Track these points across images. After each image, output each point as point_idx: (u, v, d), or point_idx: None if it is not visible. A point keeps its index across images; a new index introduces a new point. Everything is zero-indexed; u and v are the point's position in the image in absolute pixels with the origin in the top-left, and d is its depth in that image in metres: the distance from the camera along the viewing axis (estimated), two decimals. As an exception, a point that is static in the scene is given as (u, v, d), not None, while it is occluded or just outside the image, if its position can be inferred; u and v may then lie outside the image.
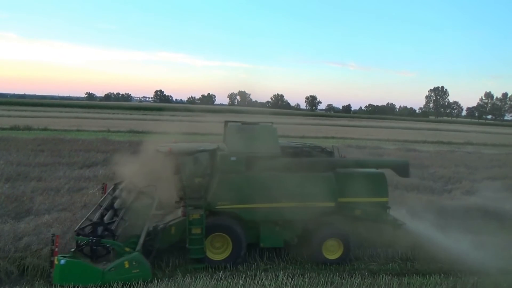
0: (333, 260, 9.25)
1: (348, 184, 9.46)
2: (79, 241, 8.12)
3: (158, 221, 9.17)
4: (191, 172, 9.13)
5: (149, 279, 7.90)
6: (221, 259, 8.95)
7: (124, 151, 11.37)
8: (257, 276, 8.31)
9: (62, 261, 7.56)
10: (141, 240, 8.35)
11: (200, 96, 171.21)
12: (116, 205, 9.58)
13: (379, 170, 10.01)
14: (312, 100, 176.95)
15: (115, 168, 10.85)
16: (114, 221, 8.88)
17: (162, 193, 9.99)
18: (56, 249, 7.84)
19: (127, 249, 8.06)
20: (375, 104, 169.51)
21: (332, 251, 9.33)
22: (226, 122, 9.81)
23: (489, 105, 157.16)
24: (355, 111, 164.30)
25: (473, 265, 9.06)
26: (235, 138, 9.29)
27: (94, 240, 8.04)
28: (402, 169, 10.09)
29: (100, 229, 8.35)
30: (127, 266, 7.82)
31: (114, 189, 10.35)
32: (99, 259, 8.20)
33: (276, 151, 9.25)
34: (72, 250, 7.99)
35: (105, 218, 8.95)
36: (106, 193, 10.31)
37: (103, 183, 11.57)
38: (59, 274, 7.57)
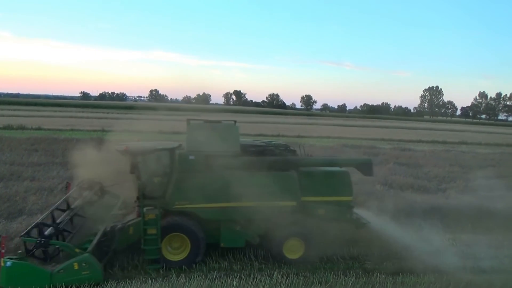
0: (294, 259, 9.10)
1: (311, 183, 9.35)
2: (27, 242, 7.82)
3: (117, 221, 8.90)
4: (148, 171, 8.91)
5: (101, 281, 7.64)
6: (178, 259, 8.75)
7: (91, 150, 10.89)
8: (252, 276, 8.29)
9: (8, 263, 7.30)
10: (95, 241, 8.09)
11: (195, 95, 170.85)
12: (76, 205, 9.37)
13: (343, 169, 9.84)
14: (307, 100, 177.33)
15: (77, 167, 10.40)
16: (66, 222, 8.66)
17: (128, 192, 9.76)
18: (3, 251, 7.62)
19: (77, 250, 7.78)
20: (370, 103, 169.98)
21: (293, 250, 9.19)
22: (188, 120, 9.56)
23: (483, 104, 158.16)
24: (350, 111, 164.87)
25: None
26: (195, 137, 9.08)
27: (42, 241, 7.74)
28: (365, 168, 9.90)
29: (49, 230, 8.08)
30: (76, 267, 7.55)
31: (78, 188, 10.08)
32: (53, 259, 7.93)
33: (236, 150, 9.08)
34: (20, 251, 7.68)
35: (61, 218, 8.69)
36: (69, 192, 9.99)
37: (67, 181, 11.21)
38: (6, 276, 7.31)
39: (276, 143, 10.30)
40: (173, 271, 8.47)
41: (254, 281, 8.05)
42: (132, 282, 7.83)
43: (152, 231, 8.42)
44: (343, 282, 8.22)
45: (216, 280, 8.05)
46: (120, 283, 7.79)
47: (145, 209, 8.55)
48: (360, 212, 10.34)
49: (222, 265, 8.89)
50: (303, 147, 10.58)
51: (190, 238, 8.75)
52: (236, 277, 8.20)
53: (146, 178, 8.84)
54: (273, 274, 8.36)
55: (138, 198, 8.95)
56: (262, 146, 9.82)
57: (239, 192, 8.69)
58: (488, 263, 9.58)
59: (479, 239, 11.10)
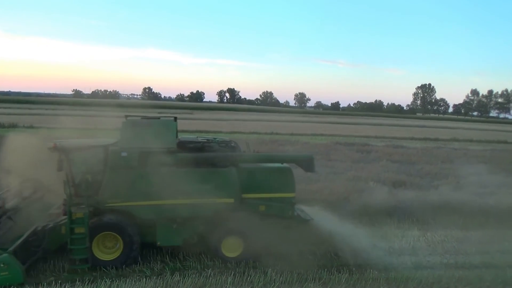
0: (233, 258, 8.91)
1: (252, 179, 9.23)
2: None
3: (51, 220, 8.60)
4: (80, 168, 8.72)
5: (21, 283, 7.39)
6: (110, 259, 8.50)
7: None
8: (246, 273, 8.32)
9: None
10: (19, 241, 7.82)
11: (189, 93, 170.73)
12: (10, 204, 9.10)
13: (286, 165, 9.70)
14: (301, 97, 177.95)
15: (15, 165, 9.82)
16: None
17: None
18: None
19: None
20: (363, 101, 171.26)
21: (232, 249, 9.00)
22: (126, 116, 9.24)
23: (475, 102, 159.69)
24: (344, 108, 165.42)
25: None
26: (129, 133, 8.83)
27: None
28: (307, 164, 9.72)
29: None
30: None
31: (16, 186, 9.74)
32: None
33: (172, 146, 8.89)
34: None
35: None
36: (3, 191, 9.61)
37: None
38: None
39: (220, 139, 10.05)
40: (167, 268, 8.49)
41: (248, 278, 8.10)
42: (126, 281, 7.83)
43: (80, 230, 8.15)
44: (337, 279, 8.28)
45: (210, 278, 8.07)
46: (114, 281, 7.79)
47: (72, 207, 8.28)
48: (308, 209, 10.15)
49: (217, 262, 8.89)
50: (248, 143, 10.46)
51: (123, 237, 8.50)
52: (231, 274, 8.23)
53: (77, 175, 8.62)
54: (267, 272, 8.39)
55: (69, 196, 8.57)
56: (201, 142, 9.59)
57: (174, 189, 8.51)
58: (479, 258, 9.72)
59: (470, 235, 11.25)
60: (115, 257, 8.54)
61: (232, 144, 9.85)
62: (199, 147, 9.36)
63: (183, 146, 9.21)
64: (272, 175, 9.49)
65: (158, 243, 8.92)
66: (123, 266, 8.47)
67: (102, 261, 8.48)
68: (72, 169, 8.52)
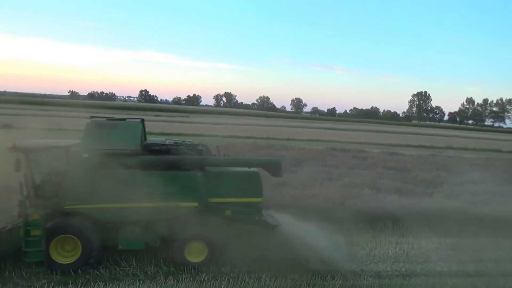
0: (196, 263, 8.78)
1: (218, 183, 9.13)
2: None
3: (10, 222, 8.43)
4: (40, 169, 8.62)
5: None
6: (68, 263, 8.31)
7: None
8: (240, 278, 8.31)
9: None
10: None
11: (185, 96, 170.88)
12: None
13: (253, 170, 9.53)
14: (297, 103, 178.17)
15: None
16: None
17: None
18: None
19: None
20: (359, 107, 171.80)
21: (196, 253, 8.88)
22: (92, 117, 9.14)
23: (470, 110, 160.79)
24: (340, 114, 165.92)
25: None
26: (92, 134, 8.73)
27: None
28: (273, 168, 9.60)
29: None
30: None
31: None
32: None
33: (135, 148, 8.77)
34: None
35: None
36: None
37: None
38: None
39: (189, 142, 9.91)
40: (161, 272, 8.45)
41: (242, 284, 8.09)
42: (119, 284, 7.81)
43: (35, 232, 7.98)
44: (331, 285, 8.29)
45: (204, 283, 8.05)
46: (108, 284, 7.78)
47: (29, 209, 8.14)
48: (278, 215, 10.03)
49: (211, 267, 8.85)
50: (218, 147, 10.41)
51: (81, 240, 8.31)
52: (225, 279, 8.21)
53: (37, 176, 8.52)
54: (261, 277, 8.38)
55: (26, 197, 8.40)
56: (167, 145, 9.45)
57: (136, 192, 8.41)
58: (472, 267, 9.77)
59: (464, 243, 11.30)
60: (73, 260, 8.35)
61: (200, 147, 9.69)
62: (164, 150, 9.22)
63: (148, 148, 9.10)
64: (239, 179, 9.39)
65: (120, 246, 8.75)
66: (115, 270, 8.39)
67: (59, 264, 8.29)
68: (31, 170, 8.39)
